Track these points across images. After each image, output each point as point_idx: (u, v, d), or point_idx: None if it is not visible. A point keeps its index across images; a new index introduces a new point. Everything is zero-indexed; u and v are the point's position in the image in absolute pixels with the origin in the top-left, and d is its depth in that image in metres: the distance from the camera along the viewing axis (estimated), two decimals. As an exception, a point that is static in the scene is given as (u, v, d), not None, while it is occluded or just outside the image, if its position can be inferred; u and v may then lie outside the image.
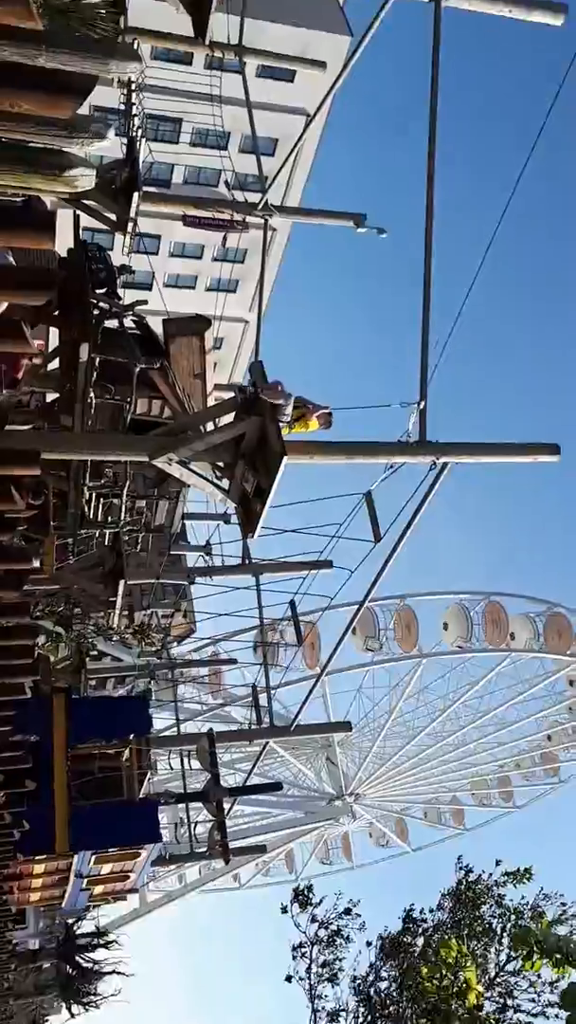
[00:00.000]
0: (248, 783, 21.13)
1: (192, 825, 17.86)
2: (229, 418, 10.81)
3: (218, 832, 17.58)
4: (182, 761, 19.91)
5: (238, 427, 10.37)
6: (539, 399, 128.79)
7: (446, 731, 47.80)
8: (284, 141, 37.27)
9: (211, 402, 15.27)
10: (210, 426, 11.23)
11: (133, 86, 13.80)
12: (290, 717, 22.37)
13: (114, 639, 19.09)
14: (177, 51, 29.08)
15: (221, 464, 11.09)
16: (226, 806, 17.95)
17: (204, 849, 18.68)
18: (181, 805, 19.26)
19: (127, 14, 13.07)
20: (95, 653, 25.78)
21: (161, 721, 29.91)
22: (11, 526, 8.24)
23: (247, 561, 19.01)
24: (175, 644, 37.29)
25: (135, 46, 10.86)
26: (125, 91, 14.59)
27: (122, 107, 14.81)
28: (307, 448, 10.75)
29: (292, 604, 19.98)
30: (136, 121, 14.47)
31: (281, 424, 10.35)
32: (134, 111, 14.41)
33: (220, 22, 14.42)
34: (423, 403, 11.01)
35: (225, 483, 11.21)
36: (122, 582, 17.21)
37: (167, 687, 25.87)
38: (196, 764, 17.92)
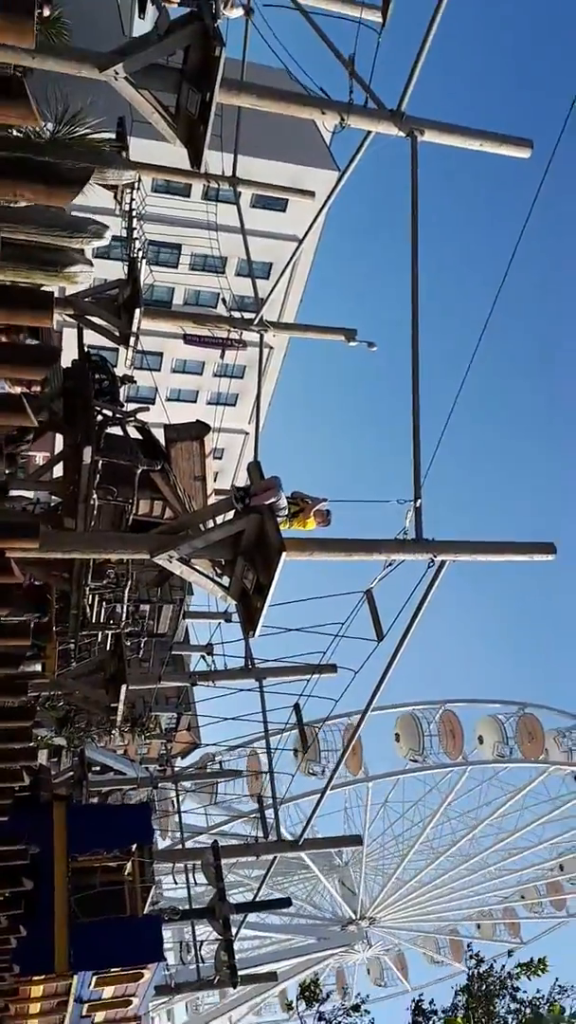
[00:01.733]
0: (257, 899, 20.27)
1: (198, 945, 17.02)
2: (229, 515, 11.13)
3: (225, 953, 16.76)
4: (187, 876, 19.16)
5: (237, 524, 10.63)
6: (538, 495, 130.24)
7: (470, 853, 45.48)
8: (278, 264, 39.40)
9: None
10: (210, 524, 11.50)
11: (134, 214, 14.84)
12: (314, 832, 21.66)
13: (114, 736, 18.75)
14: (176, 184, 31.29)
15: (221, 561, 11.31)
16: (234, 928, 17.19)
17: (212, 976, 17.74)
18: (187, 926, 18.45)
19: (129, 150, 14.28)
20: (97, 768, 25.24)
21: (165, 836, 28.93)
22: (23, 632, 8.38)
23: (250, 663, 18.90)
24: (180, 758, 36.45)
25: (135, 173, 11.83)
26: (127, 219, 15.73)
27: (124, 233, 15.93)
28: (306, 545, 10.99)
29: (296, 708, 19.72)
30: (137, 245, 15.52)
31: (279, 518, 10.65)
32: (135, 236, 15.47)
33: (215, 158, 15.69)
34: (418, 501, 11.33)
35: (225, 580, 11.39)
36: (124, 687, 17.10)
37: (170, 797, 25.15)
38: (202, 878, 17.27)
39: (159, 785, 22.43)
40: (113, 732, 17.72)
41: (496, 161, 13.61)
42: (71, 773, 21.62)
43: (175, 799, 22.80)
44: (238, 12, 13.35)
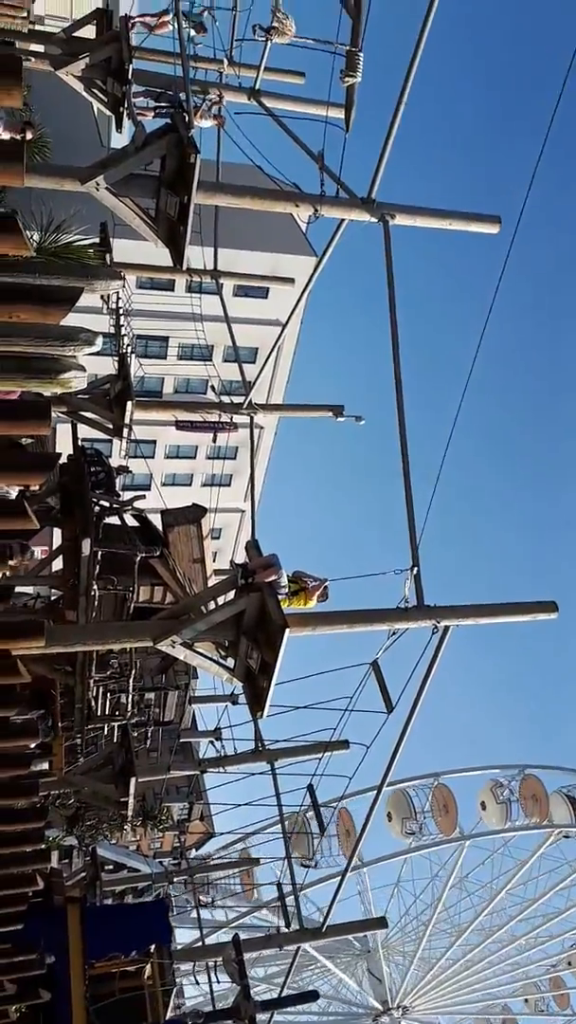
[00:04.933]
0: (283, 995, 19.32)
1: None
2: (230, 596, 11.17)
3: (253, 1057, 15.93)
4: (209, 976, 18.38)
5: (238, 604, 10.67)
6: (537, 551, 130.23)
7: (494, 925, 43.68)
8: (264, 348, 40.41)
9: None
10: (211, 606, 11.53)
11: (121, 311, 15.38)
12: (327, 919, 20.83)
13: (126, 831, 18.29)
14: (160, 279, 32.37)
15: (225, 643, 11.30)
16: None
17: None
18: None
19: (112, 252, 14.90)
20: (110, 867, 24.52)
21: (184, 933, 27.74)
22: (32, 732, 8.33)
23: (259, 745, 18.58)
24: (193, 850, 35.37)
25: (121, 276, 12.32)
26: (114, 317, 16.28)
27: (112, 330, 16.45)
28: (308, 620, 11.00)
29: (310, 788, 19.28)
30: (126, 341, 16.02)
31: (280, 596, 10.69)
32: (123, 332, 15.99)
33: (197, 252, 16.34)
34: (416, 568, 11.42)
35: (230, 662, 11.36)
36: (133, 780, 16.79)
37: (187, 892, 24.33)
38: (224, 977, 16.55)
39: (175, 879, 21.75)
40: (125, 827, 17.32)
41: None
42: (84, 874, 21.00)
43: (193, 894, 22.09)
44: (210, 123, 14.14)
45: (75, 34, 15.09)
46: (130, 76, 13.57)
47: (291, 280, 21.58)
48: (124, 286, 13.10)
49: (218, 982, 17.73)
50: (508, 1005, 47.73)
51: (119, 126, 13.91)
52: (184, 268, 12.95)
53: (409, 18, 10.79)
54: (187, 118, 10.65)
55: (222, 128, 14.38)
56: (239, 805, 19.05)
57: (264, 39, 14.31)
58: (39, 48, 15.15)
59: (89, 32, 15.39)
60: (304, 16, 14.40)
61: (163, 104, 13.92)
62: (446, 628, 11.32)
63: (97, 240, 16.21)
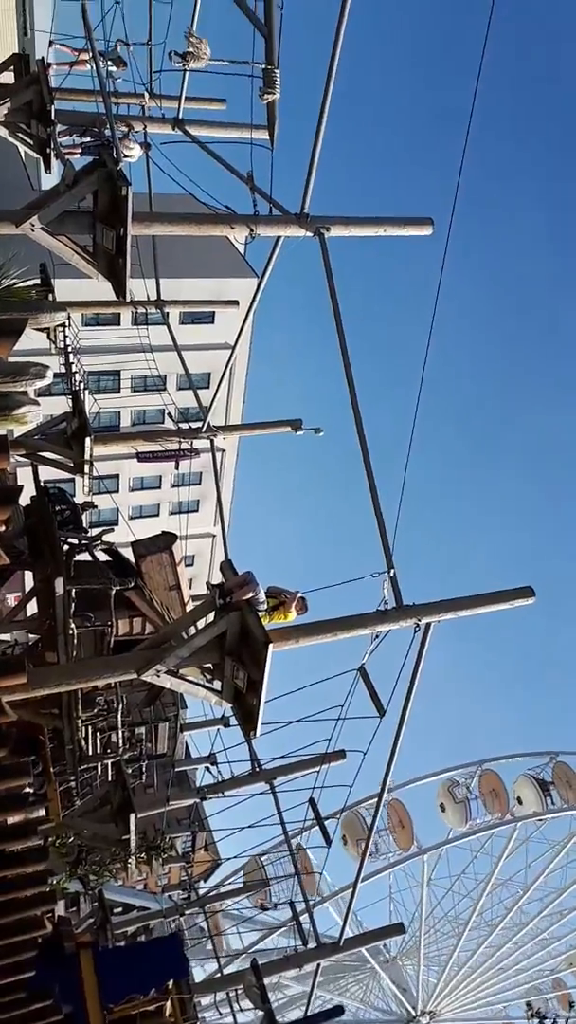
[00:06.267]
0: (308, 1014, 19.10)
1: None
2: (209, 619, 11.18)
3: None
4: (231, 1005, 18.17)
5: (219, 625, 10.68)
6: (521, 529, 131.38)
7: (524, 920, 43.40)
8: (216, 372, 40.62)
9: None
10: (192, 631, 11.53)
11: (69, 349, 15.40)
12: (358, 925, 20.73)
13: (131, 870, 18.06)
14: (106, 315, 32.41)
15: (210, 666, 11.29)
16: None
17: None
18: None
19: (55, 291, 14.95)
20: (119, 909, 24.13)
21: (201, 967, 27.36)
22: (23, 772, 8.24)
23: (256, 766, 18.52)
24: (202, 880, 34.93)
25: (65, 313, 12.38)
26: (64, 356, 16.29)
27: (64, 369, 16.46)
28: (290, 633, 11.05)
29: (312, 803, 19.21)
30: (77, 378, 16.04)
31: (260, 612, 10.73)
32: (74, 370, 16.00)
33: (139, 284, 16.44)
34: (392, 571, 11.55)
35: (217, 684, 11.34)
36: (132, 816, 16.61)
37: (199, 923, 24.06)
38: (247, 1004, 16.38)
39: (187, 912, 21.49)
40: (129, 864, 17.11)
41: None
42: (92, 919, 20.66)
43: (205, 924, 21.83)
44: (137, 151, 14.28)
45: (-6, 81, 15.18)
46: (53, 117, 13.68)
47: (235, 302, 21.82)
48: (70, 322, 13.14)
49: (241, 1010, 17.55)
50: (531, 1002, 47.46)
51: (48, 167, 14.00)
52: (128, 300, 13.04)
53: (322, 28, 11.05)
54: (115, 150, 10.78)
55: (149, 155, 14.55)
56: (242, 828, 18.93)
57: (181, 65, 14.53)
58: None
59: (8, 78, 15.49)
60: (217, 39, 14.67)
61: (88, 140, 14.05)
62: (427, 625, 11.44)
63: (38, 281, 16.24)
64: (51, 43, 16.58)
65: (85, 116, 14.60)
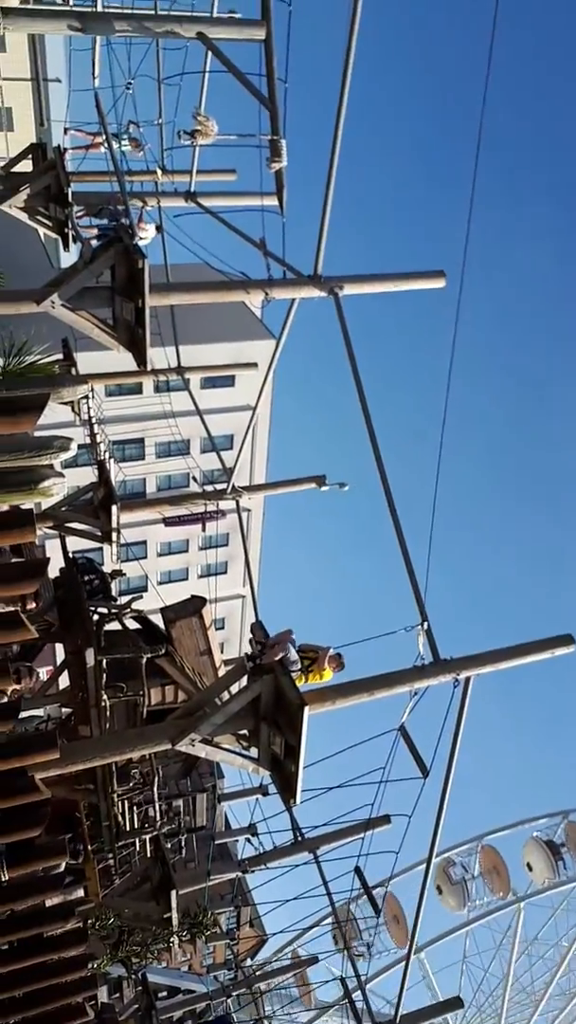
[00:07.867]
0: None
1: None
2: (243, 683, 10.94)
3: None
4: None
5: (252, 689, 10.43)
6: (546, 583, 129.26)
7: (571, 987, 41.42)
8: (239, 434, 40.97)
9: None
10: (225, 696, 11.28)
11: (93, 420, 15.58)
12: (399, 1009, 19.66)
13: (174, 950, 17.41)
14: (128, 384, 33.00)
15: (246, 733, 11.01)
16: None
17: None
18: None
19: (77, 365, 15.21)
20: (163, 993, 23.28)
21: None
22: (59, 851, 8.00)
23: (298, 835, 17.93)
24: (249, 958, 33.70)
25: (86, 380, 12.54)
26: (88, 427, 16.49)
27: (88, 440, 16.64)
28: (326, 694, 10.76)
29: (358, 871, 18.50)
30: (102, 447, 16.19)
31: (294, 673, 10.47)
32: (99, 440, 16.16)
33: (159, 353, 16.71)
34: (426, 623, 11.27)
35: (253, 752, 11.04)
36: (174, 893, 16.09)
37: (248, 1004, 23.05)
38: None
39: (233, 993, 20.62)
40: (172, 944, 16.51)
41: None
42: (136, 1005, 19.90)
43: (257, 1005, 20.92)
44: (151, 232, 14.68)
45: (13, 169, 15.78)
46: (70, 199, 14.13)
47: (254, 364, 22.03)
48: (92, 393, 13.30)
49: None
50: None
51: (66, 246, 14.40)
52: (149, 369, 13.20)
53: (326, 97, 11.33)
54: (131, 230, 11.04)
55: (163, 233, 14.93)
56: (287, 901, 18.23)
57: (190, 143, 15.01)
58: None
59: (27, 166, 16.10)
60: (224, 113, 15.18)
61: (104, 221, 14.49)
62: (467, 679, 11.11)
63: (61, 356, 16.56)
64: (66, 130, 17.28)
65: (101, 197, 15.08)
